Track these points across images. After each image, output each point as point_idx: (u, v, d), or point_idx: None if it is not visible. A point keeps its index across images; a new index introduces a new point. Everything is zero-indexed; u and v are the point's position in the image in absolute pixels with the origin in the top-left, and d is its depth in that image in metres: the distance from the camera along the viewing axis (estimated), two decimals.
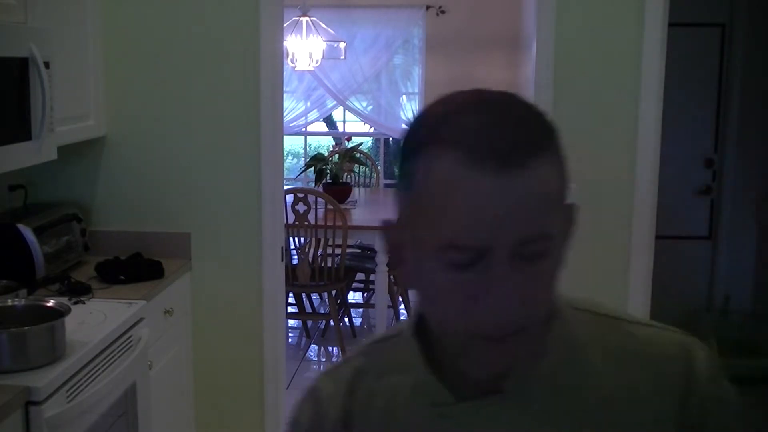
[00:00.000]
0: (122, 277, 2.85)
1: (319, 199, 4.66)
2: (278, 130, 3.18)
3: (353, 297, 5.89)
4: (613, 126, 3.11)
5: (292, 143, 8.55)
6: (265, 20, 3.08)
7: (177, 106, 3.15)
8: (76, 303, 2.55)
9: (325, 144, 8.50)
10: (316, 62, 5.62)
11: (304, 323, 5.26)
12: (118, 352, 2.41)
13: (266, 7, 3.07)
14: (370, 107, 6.84)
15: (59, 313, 2.17)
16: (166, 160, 3.18)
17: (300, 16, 5.47)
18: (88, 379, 2.19)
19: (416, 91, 6.71)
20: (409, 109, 6.79)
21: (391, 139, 7.44)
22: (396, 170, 0.80)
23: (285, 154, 4.07)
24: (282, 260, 3.26)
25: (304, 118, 6.89)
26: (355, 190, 5.72)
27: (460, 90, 0.78)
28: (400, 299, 5.33)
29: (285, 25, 3.56)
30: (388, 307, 4.99)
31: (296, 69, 5.77)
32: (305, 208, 4.55)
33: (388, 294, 4.94)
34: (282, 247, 3.26)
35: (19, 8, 2.41)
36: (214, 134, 3.16)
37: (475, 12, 6.33)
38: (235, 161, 3.16)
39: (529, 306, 0.73)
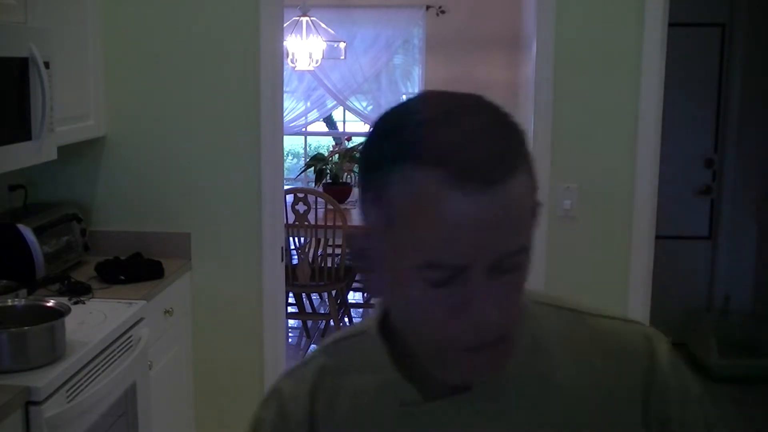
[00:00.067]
0: (122, 277, 2.85)
1: (319, 199, 4.66)
2: (278, 130, 3.18)
3: (353, 297, 5.88)
4: (613, 126, 3.11)
5: (292, 143, 8.55)
6: (265, 20, 3.08)
7: (177, 106, 3.15)
8: (76, 303, 2.55)
9: (325, 144, 8.49)
10: (316, 62, 5.62)
11: (304, 323, 5.26)
12: (118, 352, 2.41)
13: (266, 7, 3.07)
14: (370, 107, 6.84)
15: (59, 313, 2.17)
16: (166, 160, 3.18)
17: (300, 16, 5.47)
18: (88, 379, 2.19)
19: (416, 91, 6.71)
20: None
21: None
22: (360, 176, 0.79)
23: (285, 154, 4.07)
24: (282, 260, 3.26)
25: (304, 118, 6.89)
26: (355, 190, 5.71)
27: (426, 93, 0.77)
28: None
29: (285, 25, 3.56)
30: None
31: (296, 69, 5.77)
32: (305, 208, 4.55)
33: None
34: (282, 247, 3.26)
35: (19, 8, 2.41)
36: (214, 134, 3.16)
37: (475, 12, 6.32)
38: (235, 161, 3.16)
39: (509, 315, 0.73)
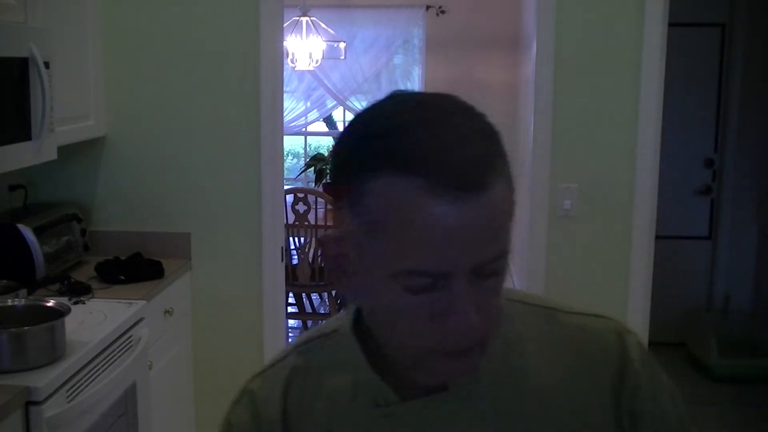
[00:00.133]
0: (122, 277, 2.85)
1: (319, 199, 4.66)
2: (278, 130, 3.18)
3: None
4: (613, 126, 3.11)
5: (292, 143, 8.55)
6: (265, 20, 3.08)
7: (177, 106, 3.15)
8: (76, 303, 2.56)
9: (325, 144, 8.49)
10: (316, 62, 5.62)
11: (304, 323, 5.25)
12: (118, 352, 2.41)
13: (266, 7, 3.07)
14: None
15: (59, 313, 2.17)
16: (166, 160, 3.18)
17: (300, 16, 5.47)
18: (88, 379, 2.19)
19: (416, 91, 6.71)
20: None
21: None
22: (332, 183, 0.77)
23: (285, 154, 4.07)
24: (282, 260, 3.26)
25: (304, 118, 6.89)
26: None
27: (398, 96, 0.75)
28: None
29: (285, 25, 3.56)
30: None
31: (296, 69, 5.77)
32: (305, 208, 4.55)
33: None
34: (282, 247, 3.26)
35: (19, 8, 2.41)
36: (214, 134, 3.16)
37: (475, 12, 6.32)
38: (235, 161, 3.16)
39: (490, 319, 0.73)
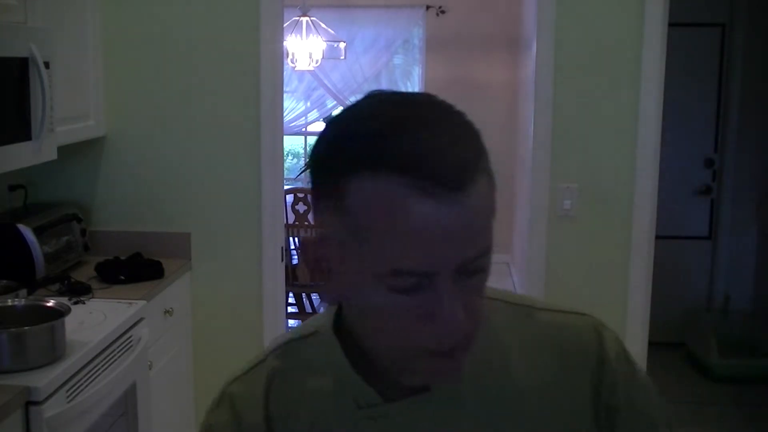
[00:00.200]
0: (122, 277, 2.85)
1: None
2: (278, 130, 3.18)
3: None
4: (613, 126, 3.11)
5: (292, 143, 8.55)
6: (265, 20, 3.08)
7: (177, 106, 3.15)
8: (76, 303, 2.56)
9: None
10: (316, 62, 5.62)
11: None
12: (118, 352, 2.41)
13: (266, 7, 3.07)
14: None
15: (59, 313, 2.17)
16: (166, 160, 3.18)
17: (300, 16, 5.47)
18: (88, 379, 2.19)
19: (416, 91, 6.71)
20: None
21: None
22: (312, 184, 0.77)
23: (285, 154, 4.07)
24: (282, 260, 3.26)
25: (304, 118, 6.90)
26: None
27: (375, 95, 0.75)
28: None
29: (285, 25, 3.56)
30: None
31: (296, 69, 5.77)
32: (305, 208, 4.55)
33: None
34: (282, 247, 3.26)
35: (19, 8, 2.41)
36: (214, 134, 3.16)
37: (475, 12, 6.33)
38: (235, 161, 3.17)
39: (476, 317, 0.73)
